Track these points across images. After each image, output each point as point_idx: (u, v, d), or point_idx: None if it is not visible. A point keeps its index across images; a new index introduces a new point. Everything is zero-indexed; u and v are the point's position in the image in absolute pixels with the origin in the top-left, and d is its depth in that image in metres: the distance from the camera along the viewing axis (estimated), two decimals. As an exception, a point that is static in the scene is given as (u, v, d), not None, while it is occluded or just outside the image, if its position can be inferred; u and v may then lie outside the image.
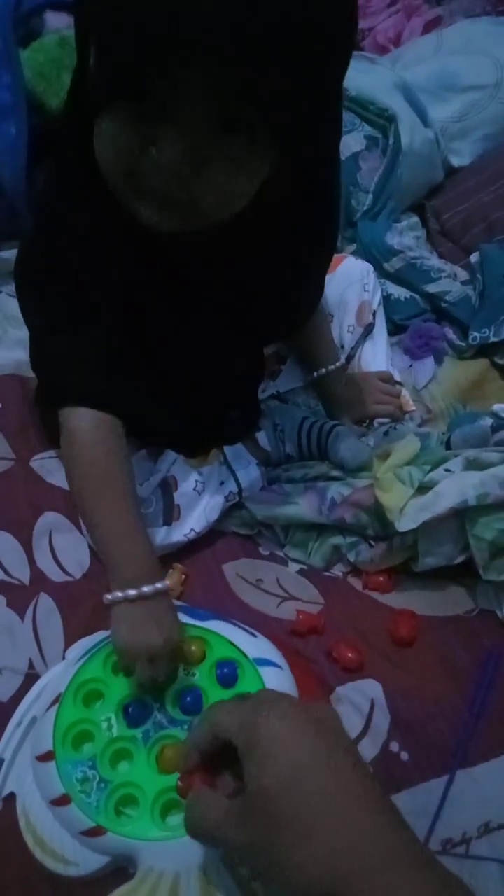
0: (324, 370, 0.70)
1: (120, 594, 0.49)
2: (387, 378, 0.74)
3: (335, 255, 0.74)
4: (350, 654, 0.56)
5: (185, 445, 0.62)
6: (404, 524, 0.57)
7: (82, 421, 0.53)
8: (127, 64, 0.38)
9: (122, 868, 0.45)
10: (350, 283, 0.73)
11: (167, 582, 0.51)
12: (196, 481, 0.62)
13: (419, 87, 0.97)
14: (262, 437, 0.67)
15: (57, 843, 0.46)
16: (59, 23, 0.85)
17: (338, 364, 0.71)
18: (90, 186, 0.45)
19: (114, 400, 0.53)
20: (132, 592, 0.49)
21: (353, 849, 0.30)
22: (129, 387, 0.54)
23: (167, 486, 0.61)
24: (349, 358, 0.74)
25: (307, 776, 0.32)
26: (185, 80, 0.37)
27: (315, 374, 0.70)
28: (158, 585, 0.49)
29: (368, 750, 0.52)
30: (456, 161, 0.96)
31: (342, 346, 0.73)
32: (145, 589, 0.49)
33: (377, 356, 0.76)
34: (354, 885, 0.29)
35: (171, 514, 0.61)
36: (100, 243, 0.49)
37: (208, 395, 0.60)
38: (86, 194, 0.47)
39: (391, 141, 0.89)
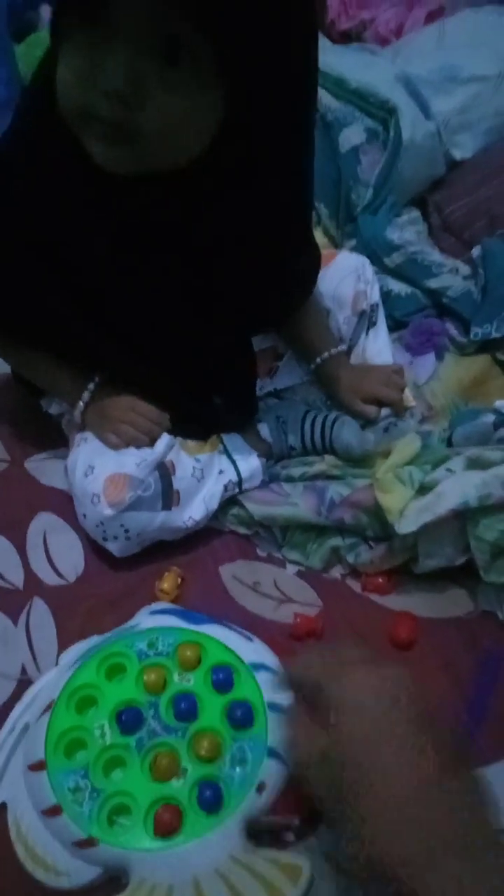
0: (326, 354, 0.69)
1: (81, 402, 0.61)
2: (398, 370, 0.73)
3: (329, 252, 0.73)
4: None
5: (176, 423, 0.62)
6: (405, 526, 0.56)
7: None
8: None
9: (114, 879, 0.44)
10: (344, 275, 0.71)
11: (96, 379, 0.62)
12: (194, 467, 0.61)
13: (421, 79, 0.95)
14: (263, 429, 0.66)
15: (49, 853, 0.45)
16: (53, 16, 0.83)
17: (340, 349, 0.70)
18: (51, 135, 0.48)
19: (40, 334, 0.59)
20: (86, 394, 0.61)
21: (428, 829, 0.29)
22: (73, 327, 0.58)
23: (165, 470, 0.60)
24: (350, 348, 0.73)
25: (385, 743, 0.32)
26: (129, 2, 0.40)
27: (318, 359, 0.69)
28: (90, 385, 0.61)
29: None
30: (458, 154, 0.95)
31: (341, 339, 0.71)
32: (90, 385, 0.61)
33: (382, 351, 0.74)
34: (436, 861, 0.29)
35: (170, 499, 0.60)
36: (57, 190, 0.51)
37: (184, 372, 0.61)
38: (47, 142, 0.49)
39: (392, 134, 0.87)
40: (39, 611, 0.58)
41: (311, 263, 0.65)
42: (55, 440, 0.69)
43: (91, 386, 0.61)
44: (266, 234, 0.56)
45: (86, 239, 0.53)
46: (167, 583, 0.60)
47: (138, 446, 0.60)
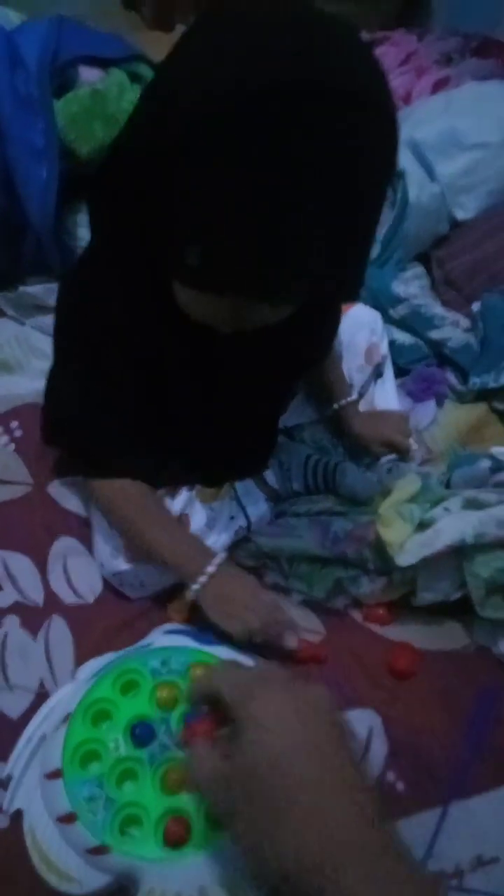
0: (343, 402, 0.74)
1: (197, 584, 0.58)
2: (406, 418, 0.78)
3: (345, 303, 0.78)
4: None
5: (201, 479, 0.65)
6: (404, 559, 0.59)
7: (112, 488, 0.60)
8: (235, 288, 0.42)
9: (124, 888, 0.46)
10: (359, 327, 0.77)
11: (222, 554, 0.60)
12: (207, 516, 0.64)
13: (427, 143, 1.02)
14: (269, 476, 0.69)
15: (62, 860, 0.46)
16: (91, 76, 0.90)
17: (353, 398, 0.74)
18: (141, 282, 0.50)
19: (140, 473, 0.60)
20: (203, 578, 0.57)
21: (347, 838, 0.30)
22: (151, 458, 0.60)
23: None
24: (360, 395, 0.78)
25: (296, 762, 0.32)
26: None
27: (335, 405, 0.74)
28: (216, 560, 0.58)
29: (365, 779, 0.54)
30: (460, 214, 1.00)
31: (352, 385, 0.76)
32: (209, 568, 0.58)
33: (389, 399, 0.79)
34: (348, 872, 0.29)
35: None
36: (137, 321, 0.53)
37: (231, 439, 0.64)
38: (136, 286, 0.51)
39: (399, 195, 0.93)
40: (58, 627, 0.61)
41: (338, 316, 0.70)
42: (76, 465, 0.72)
43: (217, 560, 0.59)
44: (331, 317, 0.63)
45: (162, 357, 0.55)
46: (180, 605, 0.63)
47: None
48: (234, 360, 0.56)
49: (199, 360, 0.56)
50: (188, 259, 0.41)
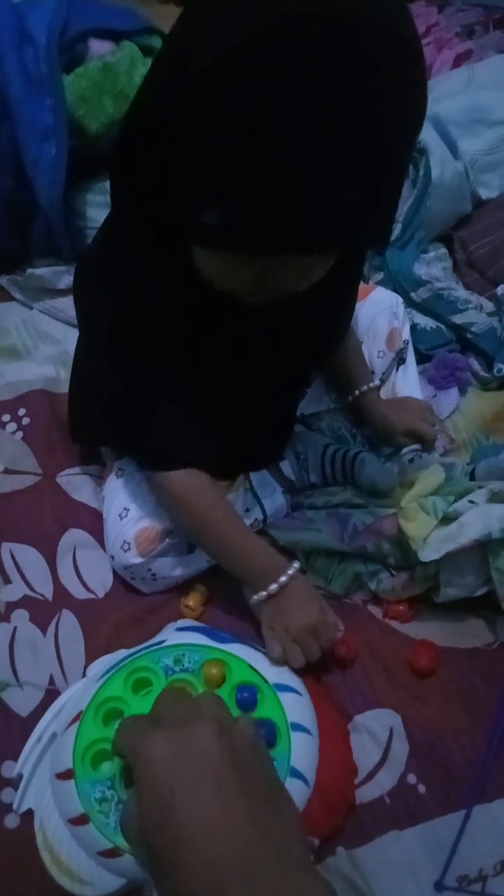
0: (364, 388, 0.71)
1: (264, 592, 0.55)
2: (429, 406, 0.75)
3: (365, 286, 0.76)
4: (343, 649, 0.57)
5: (217, 469, 0.63)
6: (427, 554, 0.57)
7: (182, 481, 0.56)
8: (261, 244, 0.40)
9: (137, 890, 0.45)
10: (380, 310, 0.74)
11: (296, 564, 0.56)
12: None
13: (450, 119, 0.98)
14: (285, 466, 0.67)
15: (73, 862, 0.46)
16: (102, 50, 0.87)
17: (374, 384, 0.71)
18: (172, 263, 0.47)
19: (198, 458, 0.56)
20: (273, 587, 0.54)
21: (237, 855, 0.30)
22: (211, 443, 0.57)
23: None
24: (382, 382, 0.75)
25: (179, 806, 0.31)
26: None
27: (357, 392, 0.71)
28: (290, 571, 0.55)
29: (385, 781, 0.52)
30: (484, 193, 0.97)
31: (373, 371, 0.73)
32: (282, 579, 0.55)
33: (412, 386, 0.76)
34: (242, 888, 0.29)
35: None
36: (174, 306, 0.50)
37: (251, 424, 0.61)
38: (167, 265, 0.48)
39: (421, 172, 0.90)
40: (68, 623, 0.60)
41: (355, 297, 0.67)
42: (88, 455, 0.71)
43: (291, 572, 0.55)
44: (352, 287, 0.60)
45: (200, 344, 0.53)
46: (193, 600, 0.61)
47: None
48: (253, 341, 0.54)
49: (218, 340, 0.53)
50: (215, 216, 0.38)
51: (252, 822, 0.31)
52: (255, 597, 0.55)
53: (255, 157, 0.35)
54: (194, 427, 0.56)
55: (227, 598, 0.62)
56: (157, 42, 0.91)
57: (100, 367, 0.58)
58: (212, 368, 0.54)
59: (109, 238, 0.54)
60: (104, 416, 0.60)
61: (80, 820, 0.46)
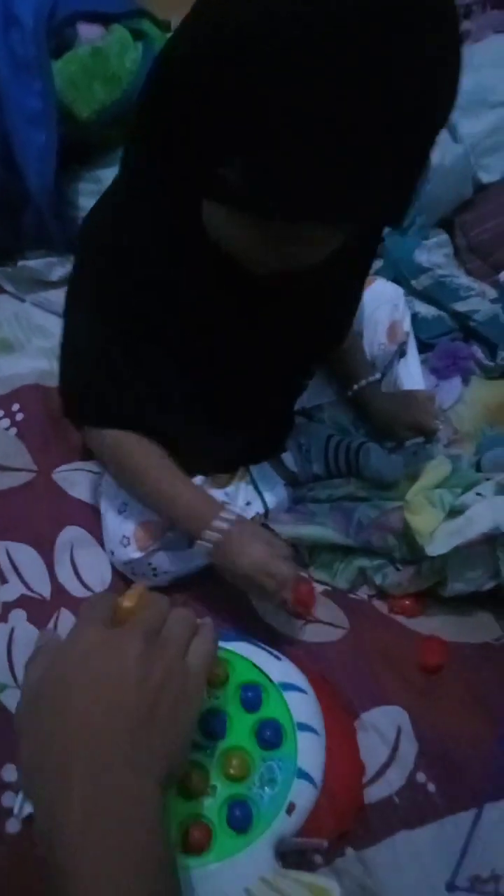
0: (364, 382, 0.69)
1: (207, 543, 0.53)
2: (432, 398, 0.73)
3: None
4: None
5: (215, 462, 0.62)
6: (435, 549, 0.56)
7: (115, 432, 0.55)
8: (283, 211, 0.38)
9: None
10: (381, 302, 0.72)
11: (235, 508, 0.56)
12: (221, 502, 0.61)
13: (449, 101, 0.96)
14: (287, 458, 0.66)
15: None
16: (91, 34, 0.84)
17: (375, 377, 0.70)
18: (178, 227, 0.45)
19: (160, 432, 0.55)
20: (210, 533, 0.53)
21: (93, 754, 0.32)
22: (176, 419, 0.55)
23: None
24: (382, 375, 0.74)
25: (74, 691, 0.34)
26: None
27: (356, 385, 0.70)
28: (224, 514, 0.54)
29: (394, 780, 0.51)
30: (485, 177, 0.95)
31: (373, 364, 0.72)
32: (216, 522, 0.53)
33: (414, 379, 0.75)
34: (86, 780, 0.31)
35: None
36: (173, 271, 0.49)
37: (251, 414, 0.60)
38: (171, 231, 0.47)
39: (421, 156, 0.88)
40: (67, 621, 0.58)
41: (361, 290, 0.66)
42: (84, 451, 0.69)
43: (225, 514, 0.54)
44: (359, 277, 0.58)
45: (197, 317, 0.51)
46: (130, 601, 0.57)
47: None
48: (256, 323, 0.52)
49: (221, 316, 0.51)
50: (238, 173, 0.37)
51: (124, 732, 0.33)
52: (198, 545, 0.54)
53: (293, 113, 0.34)
54: (157, 395, 0.54)
55: (228, 596, 0.60)
56: (147, 26, 0.89)
57: (79, 320, 0.56)
58: (211, 344, 0.52)
59: (116, 200, 0.52)
60: (64, 358, 0.58)
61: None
